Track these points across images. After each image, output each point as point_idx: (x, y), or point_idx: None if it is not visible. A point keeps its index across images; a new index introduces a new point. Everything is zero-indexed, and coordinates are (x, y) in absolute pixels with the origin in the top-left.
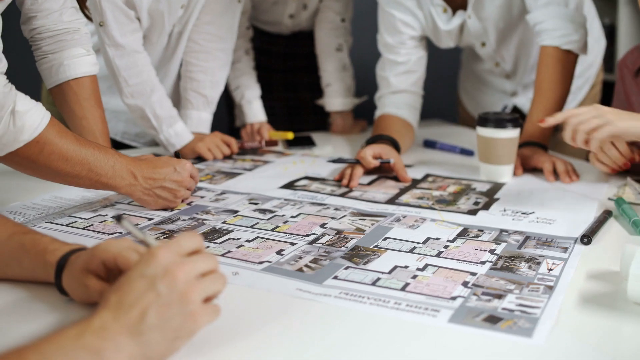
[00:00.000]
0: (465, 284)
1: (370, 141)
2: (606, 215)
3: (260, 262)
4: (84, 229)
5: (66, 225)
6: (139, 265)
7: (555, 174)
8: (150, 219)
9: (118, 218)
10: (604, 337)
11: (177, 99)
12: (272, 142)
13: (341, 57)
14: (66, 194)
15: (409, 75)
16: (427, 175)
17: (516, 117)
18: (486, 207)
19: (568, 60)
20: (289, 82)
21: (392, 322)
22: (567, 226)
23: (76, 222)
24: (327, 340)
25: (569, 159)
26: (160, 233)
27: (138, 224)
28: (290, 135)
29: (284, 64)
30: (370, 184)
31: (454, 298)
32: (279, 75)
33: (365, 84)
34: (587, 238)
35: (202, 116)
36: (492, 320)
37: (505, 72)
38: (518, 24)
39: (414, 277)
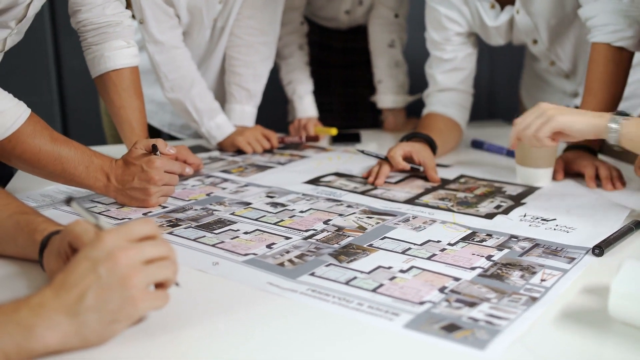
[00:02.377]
0: (442, 289)
1: (406, 138)
2: (632, 226)
3: (246, 254)
4: (99, 213)
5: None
6: (86, 247)
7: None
8: (164, 207)
9: (68, 201)
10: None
11: (220, 92)
12: (313, 138)
13: (394, 53)
14: None
15: (456, 73)
16: (460, 176)
17: None
18: (507, 211)
19: (621, 58)
20: (348, 78)
21: (345, 322)
22: (585, 235)
23: (95, 206)
24: (270, 333)
25: (627, 167)
26: (167, 221)
27: (150, 212)
28: (333, 132)
29: (343, 59)
30: (397, 182)
31: (422, 303)
32: (338, 70)
33: (422, 81)
34: (598, 249)
35: (246, 109)
36: (450, 328)
37: (563, 72)
38: (573, 21)
39: (392, 278)
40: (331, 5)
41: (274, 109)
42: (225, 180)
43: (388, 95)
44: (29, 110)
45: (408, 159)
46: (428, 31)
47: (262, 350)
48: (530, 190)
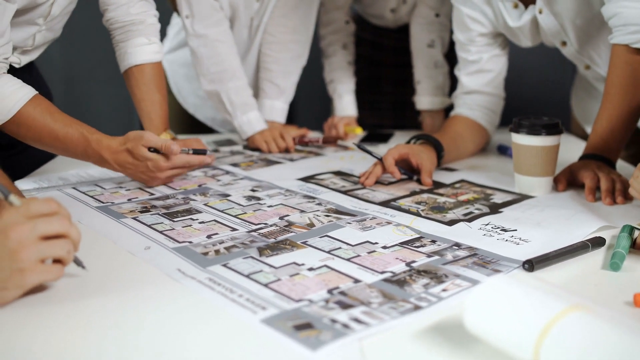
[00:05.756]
0: (332, 289)
1: (415, 139)
2: (588, 243)
3: (182, 242)
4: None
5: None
6: None
7: None
8: (151, 195)
9: None
10: None
11: (256, 89)
12: (331, 139)
13: (433, 53)
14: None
15: (481, 74)
16: (459, 181)
17: (555, 123)
18: (472, 219)
19: None
20: (398, 77)
21: (214, 311)
22: (535, 249)
23: (95, 190)
24: (151, 316)
25: None
26: (141, 206)
27: (137, 198)
28: (358, 131)
29: (394, 58)
30: (389, 184)
31: (300, 300)
32: (389, 69)
33: None
34: (529, 264)
35: (275, 104)
36: (302, 327)
37: (602, 77)
38: (605, 22)
39: (294, 275)
40: (378, 2)
41: (321, 106)
42: (228, 172)
43: (426, 96)
44: (32, 93)
45: (405, 161)
46: (454, 32)
47: (132, 329)
48: (520, 199)
